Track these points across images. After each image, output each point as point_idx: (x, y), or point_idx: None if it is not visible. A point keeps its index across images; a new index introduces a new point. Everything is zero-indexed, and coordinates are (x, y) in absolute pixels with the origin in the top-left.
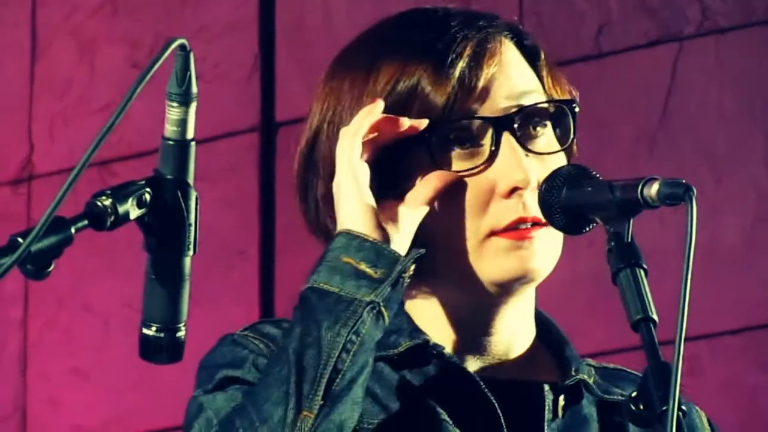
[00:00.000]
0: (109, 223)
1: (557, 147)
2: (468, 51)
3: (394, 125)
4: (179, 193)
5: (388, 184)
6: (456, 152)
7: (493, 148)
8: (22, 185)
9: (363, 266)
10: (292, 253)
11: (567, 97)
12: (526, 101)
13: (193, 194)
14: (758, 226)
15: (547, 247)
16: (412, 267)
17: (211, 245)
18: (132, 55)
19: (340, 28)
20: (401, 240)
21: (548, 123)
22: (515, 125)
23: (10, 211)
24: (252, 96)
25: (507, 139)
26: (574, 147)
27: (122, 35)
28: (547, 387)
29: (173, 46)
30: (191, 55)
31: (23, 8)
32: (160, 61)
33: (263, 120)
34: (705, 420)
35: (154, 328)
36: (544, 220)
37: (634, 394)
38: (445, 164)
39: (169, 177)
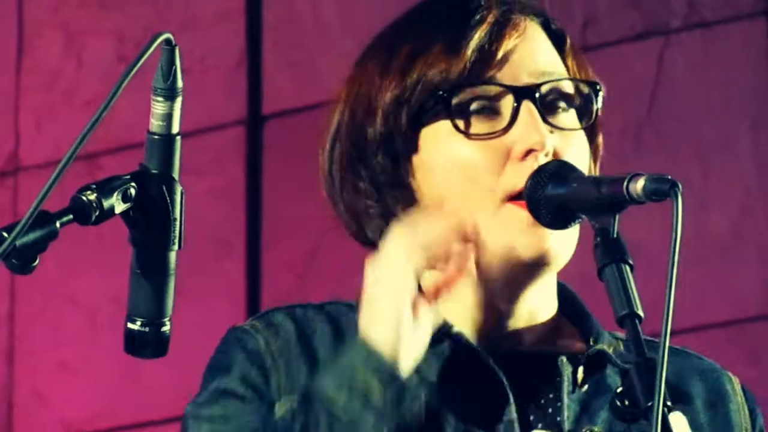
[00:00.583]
0: (94, 218)
1: (579, 125)
2: (489, 19)
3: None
4: (164, 188)
5: (411, 150)
6: (475, 117)
7: (512, 115)
8: (8, 178)
9: (374, 387)
10: (278, 247)
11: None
12: (549, 79)
13: (179, 189)
14: (745, 219)
15: (562, 233)
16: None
17: (198, 239)
18: (119, 48)
19: (327, 21)
20: (420, 348)
21: (571, 101)
22: (537, 95)
23: None
24: (239, 89)
25: (527, 106)
26: (599, 137)
27: (109, 28)
28: (564, 359)
29: (159, 40)
30: (177, 50)
31: (10, 1)
32: (147, 55)
33: (250, 113)
34: (738, 387)
35: (139, 323)
36: None
37: (619, 389)
38: (465, 128)
39: (154, 171)
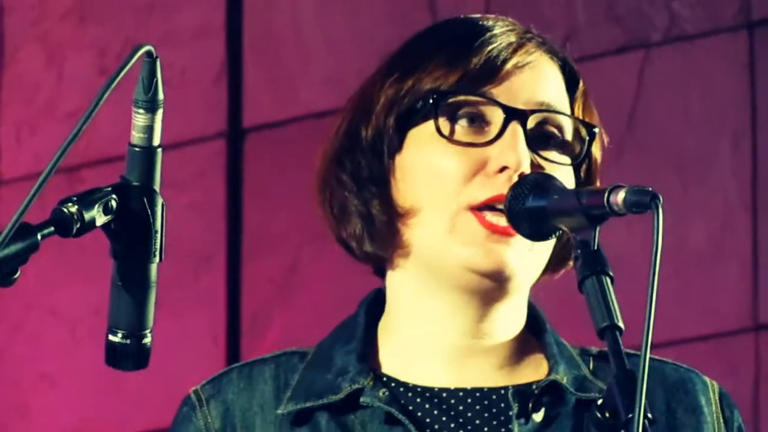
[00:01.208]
0: (75, 230)
1: (566, 160)
2: (502, 41)
3: None
4: (145, 200)
5: (395, 149)
6: (461, 125)
7: (498, 133)
8: None
9: None
10: (259, 260)
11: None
12: (546, 109)
13: (160, 201)
14: (726, 232)
15: (523, 251)
16: None
17: (178, 251)
18: (100, 61)
19: (308, 35)
20: None
21: (564, 137)
22: (527, 120)
23: None
24: (219, 102)
25: (514, 127)
26: (596, 182)
27: (90, 41)
28: (510, 393)
29: (140, 52)
30: (158, 62)
31: None
32: (127, 68)
33: (230, 126)
34: (714, 395)
35: (120, 335)
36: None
37: (600, 401)
38: (449, 133)
39: (135, 184)
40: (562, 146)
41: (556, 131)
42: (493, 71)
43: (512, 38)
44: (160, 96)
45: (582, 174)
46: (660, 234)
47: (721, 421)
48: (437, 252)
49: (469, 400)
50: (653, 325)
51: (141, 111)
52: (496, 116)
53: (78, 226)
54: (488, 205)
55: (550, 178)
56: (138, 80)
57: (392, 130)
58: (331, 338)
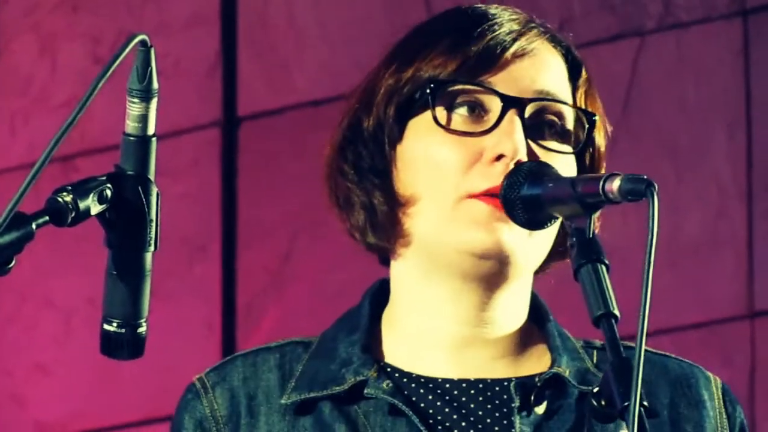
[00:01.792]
0: (70, 219)
1: (566, 148)
2: (503, 29)
3: None
4: (140, 189)
5: (396, 140)
6: (459, 114)
7: (496, 121)
8: None
9: None
10: (254, 249)
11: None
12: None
13: (155, 190)
14: (720, 220)
15: (522, 235)
16: None
17: (173, 240)
18: (94, 50)
19: (302, 24)
20: None
21: (565, 126)
22: (525, 108)
23: None
24: (214, 91)
25: (512, 115)
26: (602, 165)
27: (84, 31)
28: (513, 385)
29: (134, 41)
30: (152, 51)
31: None
32: (122, 57)
33: (225, 115)
34: (717, 391)
35: (115, 324)
36: None
37: (596, 389)
38: (446, 122)
39: (130, 173)
40: (562, 134)
41: (555, 119)
42: (493, 59)
43: (514, 26)
44: (155, 85)
45: (587, 162)
46: (655, 222)
47: (724, 416)
48: (437, 239)
49: (472, 392)
50: (648, 313)
51: (135, 100)
52: (495, 105)
53: (73, 215)
54: (487, 194)
55: (546, 166)
56: (132, 69)
57: (392, 119)
58: (335, 328)
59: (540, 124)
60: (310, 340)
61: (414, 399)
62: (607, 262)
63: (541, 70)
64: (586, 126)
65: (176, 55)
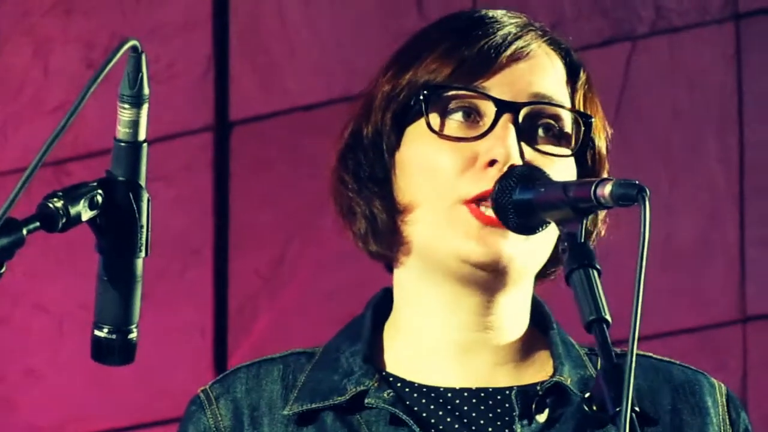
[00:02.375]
0: (60, 225)
1: (564, 152)
2: (499, 33)
3: None
4: (131, 195)
5: (395, 147)
6: (452, 120)
7: (490, 126)
8: None
9: None
10: (246, 254)
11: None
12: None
13: (145, 196)
14: (712, 224)
15: (518, 241)
16: None
17: (165, 245)
18: (86, 55)
19: (294, 28)
20: None
21: (562, 129)
22: (519, 112)
23: None
24: (206, 95)
25: (505, 120)
26: (603, 172)
27: (76, 35)
28: (514, 394)
29: (126, 47)
30: (143, 57)
31: None
32: (113, 62)
33: (217, 119)
34: (722, 397)
35: (106, 330)
36: None
37: (587, 395)
38: (439, 128)
39: (121, 179)
40: (559, 137)
41: (552, 122)
42: (488, 63)
43: (511, 29)
44: (146, 91)
45: (587, 164)
46: (647, 227)
47: (728, 423)
48: (434, 245)
49: (474, 401)
50: (641, 318)
51: (126, 106)
52: (489, 109)
53: (64, 221)
54: (480, 198)
55: (538, 171)
56: (123, 75)
57: (389, 127)
58: (338, 339)
59: (536, 128)
60: (314, 350)
61: (415, 408)
62: (599, 267)
63: (538, 72)
64: (582, 127)
65: (169, 59)
